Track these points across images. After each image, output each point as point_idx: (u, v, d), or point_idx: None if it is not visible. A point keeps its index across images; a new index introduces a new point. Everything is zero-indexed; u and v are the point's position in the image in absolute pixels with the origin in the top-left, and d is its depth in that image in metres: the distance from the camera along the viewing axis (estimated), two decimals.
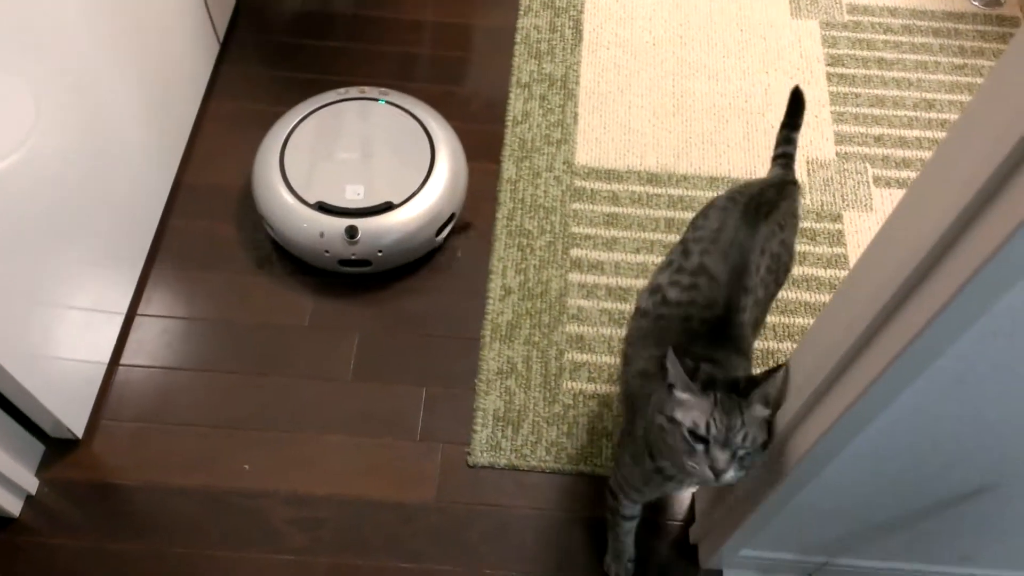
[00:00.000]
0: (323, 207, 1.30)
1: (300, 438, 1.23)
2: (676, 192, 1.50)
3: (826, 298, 1.39)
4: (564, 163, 1.53)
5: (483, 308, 1.35)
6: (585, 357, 1.31)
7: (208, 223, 1.43)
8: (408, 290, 1.38)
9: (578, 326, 1.34)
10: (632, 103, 1.63)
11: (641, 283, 1.38)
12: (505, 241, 1.43)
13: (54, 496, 1.18)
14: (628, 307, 1.36)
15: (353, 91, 1.45)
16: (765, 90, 1.65)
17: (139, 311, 1.34)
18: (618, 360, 1.30)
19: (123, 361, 1.29)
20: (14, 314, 1.01)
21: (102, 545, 1.14)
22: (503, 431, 1.23)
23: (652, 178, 1.52)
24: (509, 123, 1.59)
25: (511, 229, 1.44)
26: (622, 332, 1.33)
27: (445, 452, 1.23)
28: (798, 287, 1.39)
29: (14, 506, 1.14)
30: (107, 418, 1.24)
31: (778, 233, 0.99)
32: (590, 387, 1.28)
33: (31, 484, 1.16)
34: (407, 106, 1.43)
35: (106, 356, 1.27)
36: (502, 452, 1.22)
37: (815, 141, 1.58)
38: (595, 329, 1.33)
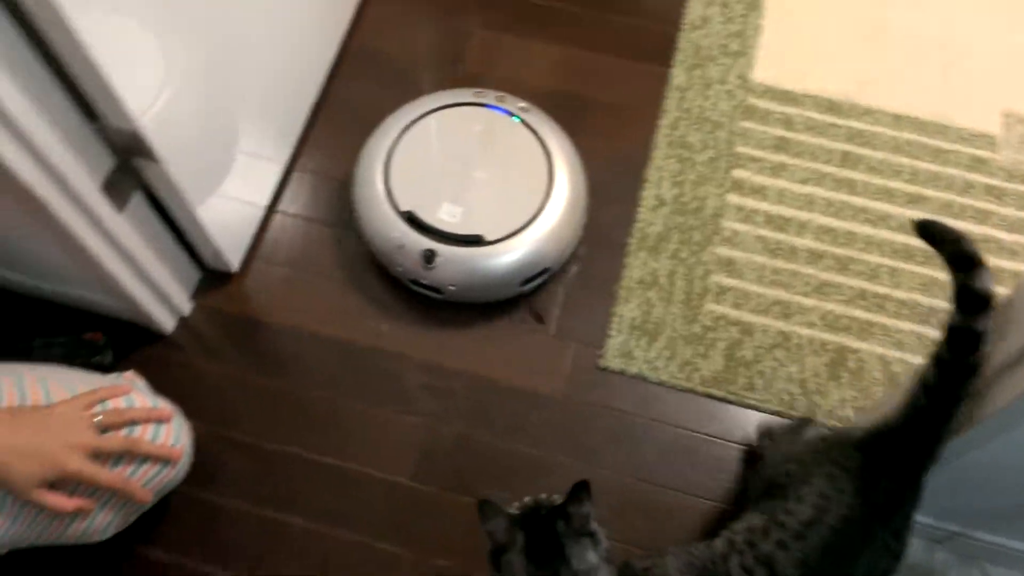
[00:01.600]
0: (411, 219, 1.20)
1: (437, 314, 1.28)
2: (856, 125, 1.44)
3: (1009, 264, 1.33)
4: (738, 77, 1.49)
5: (633, 215, 1.35)
6: (732, 282, 1.30)
7: (373, 90, 1.47)
8: None
9: (729, 249, 1.32)
10: (822, 22, 1.55)
11: (805, 216, 1.35)
12: (665, 151, 1.41)
13: (205, 321, 1.27)
14: (785, 237, 1.33)
15: (491, 96, 1.32)
16: (971, 29, 1.54)
17: (297, 166, 1.40)
18: (767, 291, 1.29)
19: (280, 208, 1.36)
20: (197, 149, 1.07)
21: (244, 375, 1.24)
22: (637, 340, 1.25)
23: (832, 106, 1.46)
24: (685, 27, 1.54)
25: (672, 139, 1.42)
26: (776, 262, 1.31)
27: (577, 351, 1.26)
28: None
29: (168, 323, 1.24)
30: (260, 259, 1.32)
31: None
32: (733, 312, 1.28)
33: (185, 306, 1.26)
34: (541, 133, 1.28)
35: (265, 201, 1.34)
36: (634, 361, 1.24)
37: (1017, 91, 1.48)
38: (747, 255, 1.32)
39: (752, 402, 1.22)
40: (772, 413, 1.21)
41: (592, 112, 1.46)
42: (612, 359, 1.24)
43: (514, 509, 0.84)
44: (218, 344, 1.26)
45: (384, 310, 1.28)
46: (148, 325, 1.23)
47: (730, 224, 1.34)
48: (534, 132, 1.28)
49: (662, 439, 1.20)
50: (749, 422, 1.21)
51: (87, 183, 0.91)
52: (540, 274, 1.24)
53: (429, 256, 1.18)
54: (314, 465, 1.17)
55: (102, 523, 0.96)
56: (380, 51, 1.50)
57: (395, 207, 1.21)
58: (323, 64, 1.45)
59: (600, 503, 1.14)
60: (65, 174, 0.86)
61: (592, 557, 0.81)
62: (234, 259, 1.28)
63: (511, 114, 1.29)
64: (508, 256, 1.19)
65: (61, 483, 0.89)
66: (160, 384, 1.05)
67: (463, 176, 1.24)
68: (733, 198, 1.37)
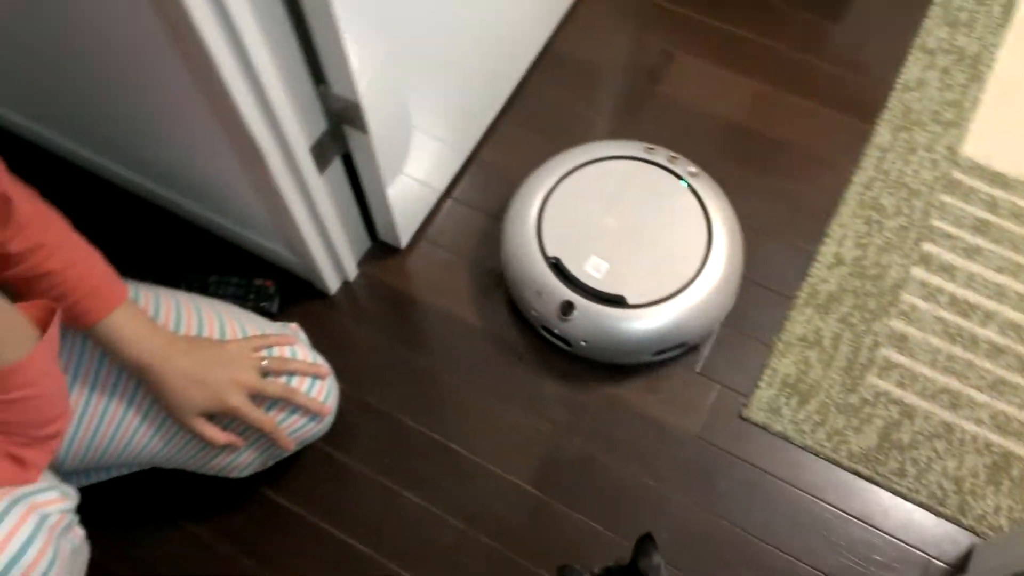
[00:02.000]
0: (556, 266, 1.18)
1: None
2: None
3: None
4: (947, 148, 1.42)
5: (806, 268, 1.31)
6: (902, 359, 1.24)
7: (563, 95, 1.49)
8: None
9: (905, 324, 1.26)
10: None
11: (993, 306, 1.27)
12: (854, 208, 1.36)
13: (365, 289, 1.33)
14: (968, 324, 1.26)
15: (662, 154, 1.27)
16: None
17: (477, 158, 1.44)
18: (938, 376, 1.22)
19: (453, 195, 1.41)
20: (399, 127, 1.12)
21: (391, 346, 1.28)
22: (788, 398, 1.21)
23: None
24: (899, 86, 1.48)
25: (864, 199, 1.37)
26: (953, 349, 1.24)
27: (721, 395, 1.23)
28: None
29: (333, 285, 1.31)
30: (426, 239, 1.37)
31: None
32: (896, 391, 1.22)
33: (352, 271, 1.32)
34: (707, 203, 1.22)
35: (443, 186, 1.39)
36: (779, 418, 1.20)
37: None
38: (922, 335, 1.25)
39: (900, 489, 1.16)
40: (919, 504, 1.15)
41: (782, 153, 1.43)
42: (757, 411, 1.21)
43: (593, 571, 0.85)
44: (373, 312, 1.32)
45: None
46: (315, 282, 1.30)
47: (910, 298, 1.28)
48: (700, 201, 1.23)
49: (795, 504, 1.16)
50: (893, 508, 1.15)
51: (301, 142, 0.97)
52: (676, 347, 1.20)
53: (567, 308, 1.16)
54: (439, 447, 1.21)
55: (244, 461, 1.03)
56: (580, 58, 1.53)
57: (542, 250, 1.20)
58: (524, 62, 1.48)
59: (712, 552, 1.12)
60: (286, 130, 0.92)
61: None
62: (404, 235, 1.33)
63: (679, 177, 1.25)
64: (647, 323, 1.15)
65: (218, 417, 0.95)
66: (314, 340, 1.11)
67: (616, 232, 1.21)
68: (919, 272, 1.30)
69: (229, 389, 0.92)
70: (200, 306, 1.01)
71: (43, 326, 0.73)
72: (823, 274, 1.31)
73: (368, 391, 1.25)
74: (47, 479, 0.75)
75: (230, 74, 0.81)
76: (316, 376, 1.01)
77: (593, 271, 1.17)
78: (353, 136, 1.06)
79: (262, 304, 1.27)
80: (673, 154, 1.28)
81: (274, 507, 1.17)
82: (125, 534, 1.15)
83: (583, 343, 1.18)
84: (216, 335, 0.99)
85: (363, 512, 1.17)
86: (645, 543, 0.81)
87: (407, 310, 1.32)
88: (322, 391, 1.02)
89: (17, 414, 0.69)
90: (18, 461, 0.69)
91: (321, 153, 1.04)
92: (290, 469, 1.18)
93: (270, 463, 1.08)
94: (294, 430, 1.01)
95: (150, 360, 0.89)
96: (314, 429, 1.04)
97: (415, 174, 1.27)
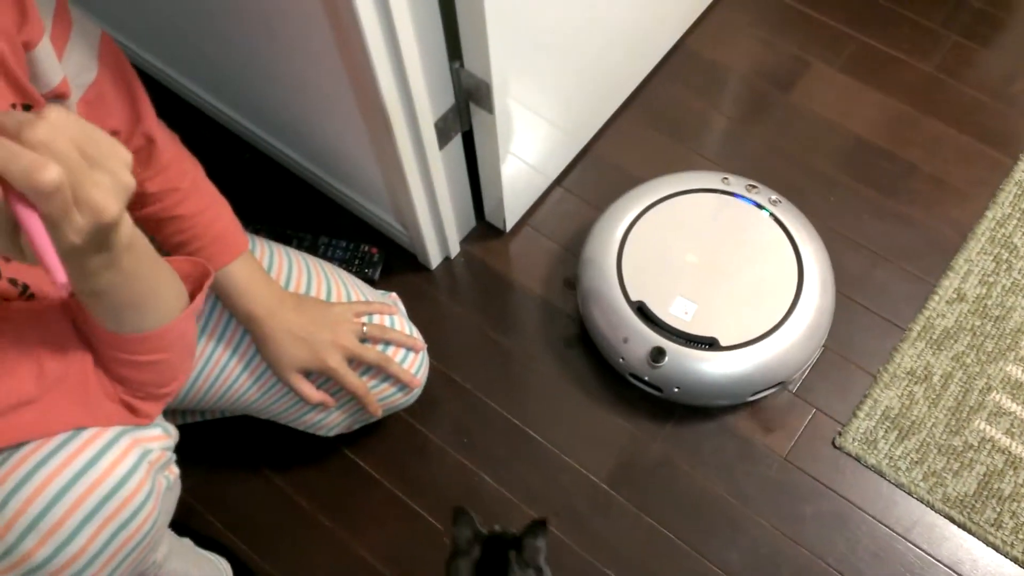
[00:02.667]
0: (641, 310, 1.15)
1: None
2: None
3: None
4: None
5: (924, 301, 1.28)
6: (1015, 408, 1.19)
7: (688, 95, 1.49)
8: (855, 241, 1.34)
9: (1023, 372, 1.22)
10: None
11: None
12: (983, 245, 1.31)
13: (465, 267, 1.37)
14: None
15: (741, 184, 1.23)
16: None
17: (592, 149, 1.45)
18: None
19: (564, 184, 1.42)
20: (523, 111, 1.14)
21: (484, 327, 1.31)
22: (886, 432, 1.19)
23: None
24: None
25: (996, 236, 1.32)
26: None
27: (815, 419, 1.22)
28: None
29: (435, 259, 1.35)
30: (531, 225, 1.39)
31: None
32: (1004, 439, 1.17)
33: (455, 248, 1.35)
34: (793, 231, 1.19)
35: (554, 174, 1.41)
36: (875, 451, 1.18)
37: None
38: None
39: (994, 540, 1.12)
40: (1013, 560, 1.11)
41: (913, 177, 1.39)
42: (851, 441, 1.19)
43: (483, 528, 0.90)
44: (470, 291, 1.35)
45: None
46: (418, 255, 1.34)
47: None
48: (785, 230, 1.19)
49: (880, 541, 1.14)
50: (983, 559, 1.11)
51: (427, 115, 1.00)
52: (774, 387, 1.17)
53: (657, 354, 1.12)
54: (518, 433, 1.23)
55: (333, 421, 1.07)
56: (709, 58, 1.52)
57: (626, 296, 1.16)
58: (652, 60, 1.48)
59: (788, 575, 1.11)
60: (415, 101, 0.96)
61: None
62: (511, 218, 1.36)
63: (760, 207, 1.21)
64: (743, 365, 1.12)
65: (314, 375, 1.00)
66: (410, 312, 1.14)
67: (699, 269, 1.17)
68: None
69: (330, 350, 0.96)
70: (310, 265, 1.06)
71: (191, 282, 0.75)
72: (941, 308, 1.27)
73: (456, 369, 1.28)
74: None
75: (374, 41, 0.84)
76: (411, 349, 1.04)
77: (681, 313, 1.15)
78: (477, 115, 1.09)
79: (366, 270, 1.32)
80: (752, 183, 1.24)
81: (355, 469, 1.22)
82: (212, 477, 1.22)
83: (676, 389, 1.15)
84: (323, 295, 1.03)
85: (439, 486, 1.20)
86: (539, 525, 0.86)
87: (503, 293, 1.34)
88: (415, 363, 1.05)
89: (144, 374, 0.71)
90: (131, 408, 0.72)
91: (444, 128, 1.07)
92: (374, 435, 1.22)
93: (356, 427, 1.12)
94: (383, 397, 1.05)
95: (260, 312, 0.94)
96: (403, 399, 1.07)
97: (529, 159, 1.29)
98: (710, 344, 1.13)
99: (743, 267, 1.17)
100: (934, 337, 1.25)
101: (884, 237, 1.34)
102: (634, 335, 1.15)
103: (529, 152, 1.27)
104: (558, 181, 1.42)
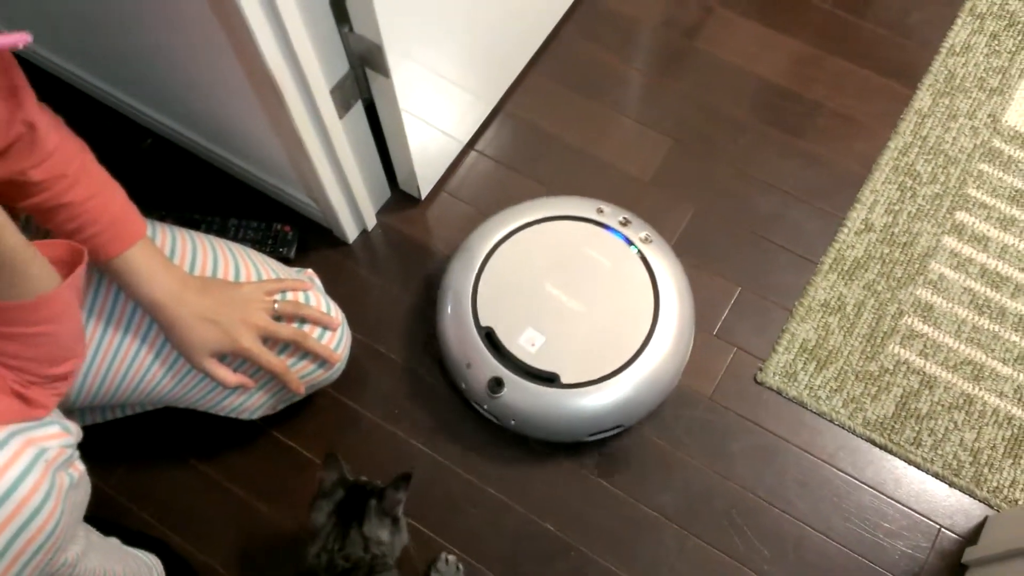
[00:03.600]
0: (489, 337, 1.14)
1: None
2: None
3: None
4: (989, 116, 1.42)
5: (834, 233, 1.33)
6: (926, 329, 1.26)
7: (597, 49, 1.51)
8: (766, 183, 1.38)
9: (932, 294, 1.28)
10: None
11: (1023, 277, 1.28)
12: (887, 174, 1.37)
13: (382, 238, 1.38)
14: (997, 296, 1.27)
15: (614, 216, 1.21)
16: None
17: (503, 109, 1.47)
18: (962, 348, 1.24)
19: (476, 147, 1.44)
20: (423, 74, 1.15)
21: (405, 297, 1.33)
22: (805, 364, 1.24)
23: None
24: (943, 51, 1.48)
25: (899, 165, 1.38)
26: (980, 320, 1.26)
27: (736, 357, 1.26)
28: None
29: (351, 233, 1.35)
30: (446, 191, 1.41)
31: None
32: (918, 361, 1.24)
33: (371, 220, 1.37)
34: (658, 273, 1.17)
35: (466, 137, 1.43)
36: (795, 384, 1.23)
37: None
38: (949, 305, 1.27)
39: (915, 458, 1.18)
40: (933, 475, 1.18)
41: (819, 116, 1.44)
42: (772, 376, 1.24)
43: (349, 476, 0.97)
44: (390, 262, 1.36)
45: None
46: (333, 230, 1.35)
47: (940, 268, 1.30)
48: (650, 271, 1.17)
49: (806, 470, 1.19)
50: (906, 477, 1.18)
51: (320, 83, 1.01)
52: (612, 429, 1.16)
53: (496, 386, 1.12)
54: (449, 399, 1.25)
55: (255, 403, 1.07)
56: (615, 10, 1.55)
57: (476, 320, 1.15)
58: (557, 13, 1.50)
59: (719, 514, 1.15)
60: (305, 69, 0.96)
61: (384, 536, 0.93)
62: (425, 186, 1.37)
63: (629, 243, 1.19)
64: (581, 404, 1.11)
65: (229, 358, 1.00)
66: (330, 288, 1.14)
67: (557, 302, 1.16)
68: (950, 241, 1.32)
69: (241, 329, 0.96)
70: (216, 247, 1.05)
71: (66, 267, 0.75)
72: (851, 240, 1.32)
73: (381, 341, 1.30)
74: (50, 414, 0.78)
75: (251, 8, 0.84)
76: (327, 327, 1.05)
77: (528, 345, 1.13)
78: (376, 80, 1.09)
79: (280, 249, 1.32)
80: (626, 215, 1.22)
81: (287, 451, 1.23)
82: (138, 472, 1.22)
83: (512, 422, 1.14)
84: (231, 277, 1.02)
85: (375, 460, 1.22)
86: (403, 479, 0.92)
87: (423, 260, 1.36)
88: (334, 339, 1.06)
89: (32, 348, 0.71)
90: (24, 399, 0.71)
91: (342, 96, 1.08)
92: (300, 413, 1.24)
93: (280, 406, 1.12)
94: (304, 374, 1.05)
95: (164, 298, 0.93)
96: (325, 375, 1.08)
97: (438, 123, 1.30)
98: (550, 380, 1.12)
99: (600, 304, 1.16)
100: (845, 268, 1.30)
101: (794, 176, 1.39)
102: (477, 362, 1.13)
103: (437, 116, 1.28)
104: (471, 144, 1.44)
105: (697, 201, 1.38)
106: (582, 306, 1.16)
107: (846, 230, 1.33)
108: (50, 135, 0.87)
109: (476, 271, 1.18)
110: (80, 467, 0.77)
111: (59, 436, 0.74)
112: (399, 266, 1.36)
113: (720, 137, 1.43)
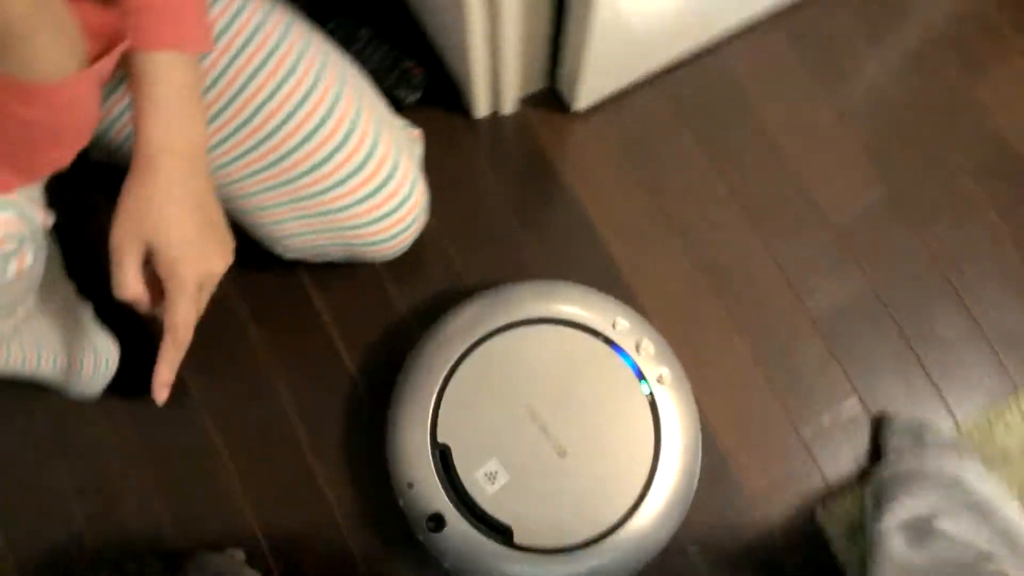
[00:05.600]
0: (443, 458, 0.94)
1: None
2: None
3: None
4: None
5: None
6: None
7: (855, 27, 1.27)
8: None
9: None
10: None
11: None
12: None
13: (514, 131, 1.22)
14: None
15: (631, 335, 0.97)
16: None
17: (715, 55, 1.25)
18: None
19: (660, 85, 1.23)
20: None
21: (504, 209, 1.18)
22: None
23: None
24: None
25: None
26: None
27: None
28: None
29: (482, 109, 1.19)
30: (604, 114, 1.22)
31: None
32: None
33: (509, 105, 1.20)
34: (665, 425, 0.95)
35: (656, 66, 1.22)
36: None
37: None
38: None
39: None
40: None
41: None
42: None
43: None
44: (507, 160, 1.21)
45: None
46: (462, 94, 1.18)
47: None
48: (656, 422, 0.95)
49: None
50: None
51: None
52: None
53: (437, 523, 0.93)
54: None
55: (296, 246, 0.96)
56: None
57: (433, 431, 0.94)
58: None
59: None
60: None
61: None
62: (585, 98, 1.19)
63: (641, 377, 0.96)
64: (530, 574, 0.91)
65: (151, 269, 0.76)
66: (435, 162, 1.04)
67: (532, 435, 0.94)
68: None
69: (216, 258, 0.75)
70: (328, 63, 0.88)
71: (101, 41, 0.62)
72: None
73: (452, 242, 1.16)
74: (22, 193, 0.67)
75: None
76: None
77: (485, 480, 0.93)
78: None
79: (399, 91, 1.17)
80: (648, 339, 0.98)
81: (305, 302, 1.15)
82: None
83: (446, 566, 0.95)
84: (322, 111, 0.85)
85: (376, 350, 1.13)
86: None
87: (541, 178, 1.20)
88: (405, 219, 0.94)
89: (21, 134, 0.61)
90: None
91: None
92: (338, 275, 1.14)
93: (319, 260, 1.01)
94: (365, 242, 0.93)
95: (177, 144, 0.71)
96: (382, 251, 0.96)
97: (633, 34, 1.10)
98: (502, 533, 0.92)
99: (585, 451, 0.94)
100: None
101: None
102: (421, 484, 0.93)
103: (635, 26, 1.08)
104: (657, 77, 1.24)
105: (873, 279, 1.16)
106: (562, 447, 0.94)
107: None
108: None
109: (454, 361, 0.97)
110: (26, 261, 0.67)
111: (10, 223, 0.64)
112: (514, 169, 1.20)
113: (942, 202, 1.19)
